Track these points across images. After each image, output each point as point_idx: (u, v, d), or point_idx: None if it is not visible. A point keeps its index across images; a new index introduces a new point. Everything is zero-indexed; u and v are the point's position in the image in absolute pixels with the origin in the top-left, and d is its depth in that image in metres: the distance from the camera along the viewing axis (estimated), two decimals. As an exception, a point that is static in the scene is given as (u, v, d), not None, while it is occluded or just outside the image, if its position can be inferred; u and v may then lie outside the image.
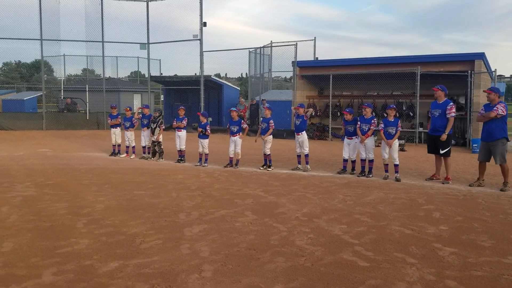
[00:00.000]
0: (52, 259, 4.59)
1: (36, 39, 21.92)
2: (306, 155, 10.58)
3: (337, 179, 9.49)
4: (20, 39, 22.00)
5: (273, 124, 10.60)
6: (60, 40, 22.79)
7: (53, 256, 4.68)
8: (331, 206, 7.01)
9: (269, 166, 10.59)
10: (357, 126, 9.88)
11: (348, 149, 10.10)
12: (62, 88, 26.63)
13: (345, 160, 10.17)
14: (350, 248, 5.02)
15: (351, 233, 5.57)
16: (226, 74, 47.22)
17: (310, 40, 22.66)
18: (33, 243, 5.12)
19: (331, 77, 18.34)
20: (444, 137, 8.98)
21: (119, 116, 13.38)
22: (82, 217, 6.25)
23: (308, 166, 10.56)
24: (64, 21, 22.54)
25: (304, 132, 10.59)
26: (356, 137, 9.98)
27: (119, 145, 13.15)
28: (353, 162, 10.17)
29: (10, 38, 21.62)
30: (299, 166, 10.69)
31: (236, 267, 4.42)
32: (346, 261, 4.61)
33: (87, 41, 23.26)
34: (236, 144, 10.85)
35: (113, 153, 13.09)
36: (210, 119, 23.83)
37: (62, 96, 25.68)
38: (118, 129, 13.18)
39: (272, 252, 4.85)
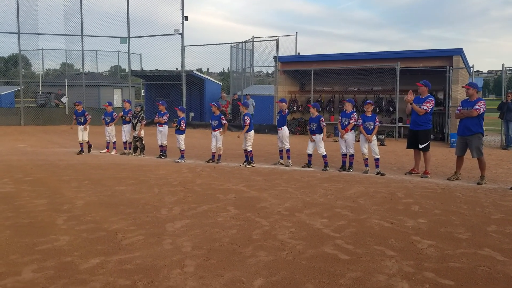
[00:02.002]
0: (32, 256, 4.53)
1: (13, 33, 21.47)
2: (288, 150, 10.63)
3: (319, 173, 9.57)
4: (-4, 32, 21.52)
5: (248, 120, 10.37)
6: (38, 34, 22.38)
7: (33, 253, 4.62)
8: (312, 200, 7.07)
9: (250, 163, 10.43)
10: (338, 121, 9.98)
11: (312, 145, 10.17)
12: (40, 82, 26.16)
13: (309, 155, 10.27)
14: (331, 241, 5.08)
15: (332, 227, 5.64)
16: (208, 69, 47.07)
17: (292, 35, 22.72)
18: (12, 240, 5.05)
19: (312, 72, 18.44)
20: (408, 98, 9.12)
21: (87, 113, 12.65)
22: (62, 213, 6.18)
23: (290, 161, 10.61)
24: (42, 14, 22.16)
25: (285, 127, 10.63)
26: (318, 134, 10.04)
27: (87, 142, 12.61)
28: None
29: (-15, 32, 21.15)
30: (281, 161, 10.74)
31: (218, 262, 4.44)
32: (327, 255, 4.67)
33: (66, 34, 22.90)
34: (217, 139, 10.81)
35: (81, 151, 12.48)
36: (192, 114, 23.89)
37: (40, 91, 25.24)
38: (84, 126, 12.47)
39: (254, 247, 4.88)
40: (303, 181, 8.73)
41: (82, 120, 12.50)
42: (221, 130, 10.80)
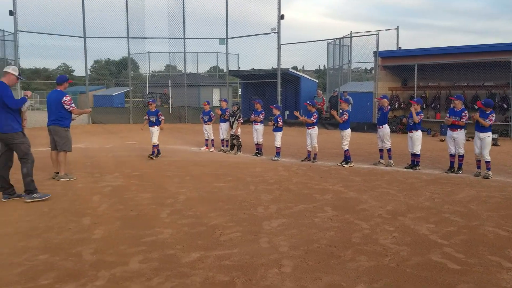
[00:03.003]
0: (138, 247, 4.77)
1: (123, 38, 23.23)
2: (389, 150, 10.13)
3: (424, 175, 8.99)
4: (109, 37, 23.39)
5: (346, 117, 10.12)
6: (145, 38, 23.97)
7: (139, 244, 4.87)
8: (417, 204, 6.63)
9: (347, 163, 10.10)
10: (446, 117, 9.30)
11: (411, 142, 9.64)
12: (147, 83, 27.97)
13: (412, 155, 9.72)
14: (439, 249, 4.69)
15: (440, 233, 5.22)
16: (303, 67, 46.86)
17: (393, 29, 21.73)
18: (121, 231, 5.38)
19: (416, 67, 17.47)
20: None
21: (160, 113, 11.65)
22: (166, 207, 6.47)
23: (391, 161, 10.11)
24: (148, 19, 23.72)
25: (385, 125, 10.16)
26: (415, 131, 9.53)
27: (155, 145, 11.48)
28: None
29: (100, 37, 23.05)
30: (381, 161, 10.26)
31: (316, 264, 4.31)
32: (435, 263, 4.31)
33: (170, 38, 24.20)
34: (311, 138, 10.63)
35: (153, 154, 11.32)
36: (287, 112, 23.93)
37: (147, 91, 26.98)
38: (156, 127, 11.52)
39: (353, 250, 4.67)
40: (407, 182, 8.25)
41: (154, 120, 11.51)
42: (305, 117, 10.72)
